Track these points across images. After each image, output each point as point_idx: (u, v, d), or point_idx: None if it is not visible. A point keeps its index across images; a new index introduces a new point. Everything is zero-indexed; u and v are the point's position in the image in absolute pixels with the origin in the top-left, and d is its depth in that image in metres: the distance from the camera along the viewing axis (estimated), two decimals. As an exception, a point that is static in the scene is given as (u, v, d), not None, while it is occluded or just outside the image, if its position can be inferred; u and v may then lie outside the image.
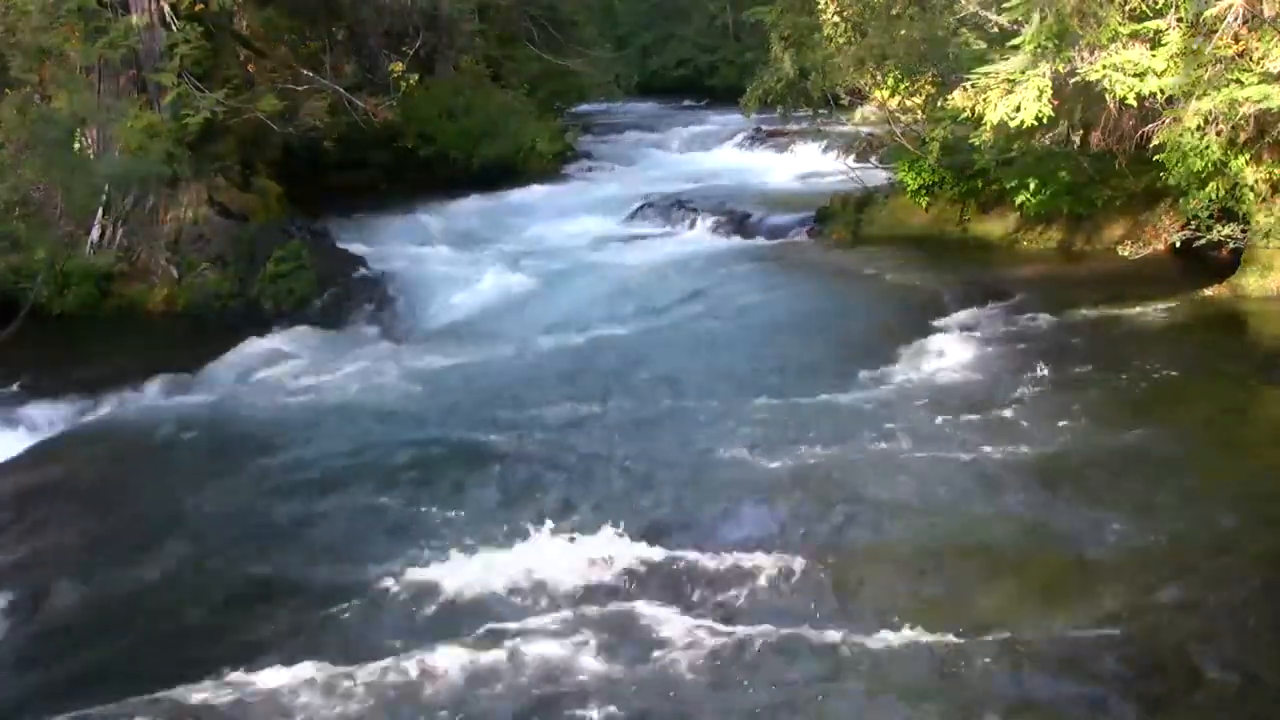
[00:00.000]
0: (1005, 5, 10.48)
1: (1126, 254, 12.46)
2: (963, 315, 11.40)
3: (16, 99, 12.81)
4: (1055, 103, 10.37)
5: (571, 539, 6.99)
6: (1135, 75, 9.99)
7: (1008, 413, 8.70)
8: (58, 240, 12.36)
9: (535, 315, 12.42)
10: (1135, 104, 10.28)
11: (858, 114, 17.01)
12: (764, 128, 22.57)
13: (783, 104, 16.99)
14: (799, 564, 6.59)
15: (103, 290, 12.76)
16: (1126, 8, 10.28)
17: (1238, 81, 9.67)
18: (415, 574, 6.71)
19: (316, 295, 13.02)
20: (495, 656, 5.87)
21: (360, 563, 6.90)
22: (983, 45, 11.98)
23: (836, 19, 14.85)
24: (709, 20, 35.49)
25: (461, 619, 6.27)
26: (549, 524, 7.11)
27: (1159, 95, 10.13)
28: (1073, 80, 10.31)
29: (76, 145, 13.09)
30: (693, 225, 16.78)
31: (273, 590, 6.74)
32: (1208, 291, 11.36)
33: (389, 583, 6.65)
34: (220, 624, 6.46)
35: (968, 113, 11.16)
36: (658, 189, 18.93)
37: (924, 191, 14.66)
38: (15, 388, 10.34)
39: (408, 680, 5.72)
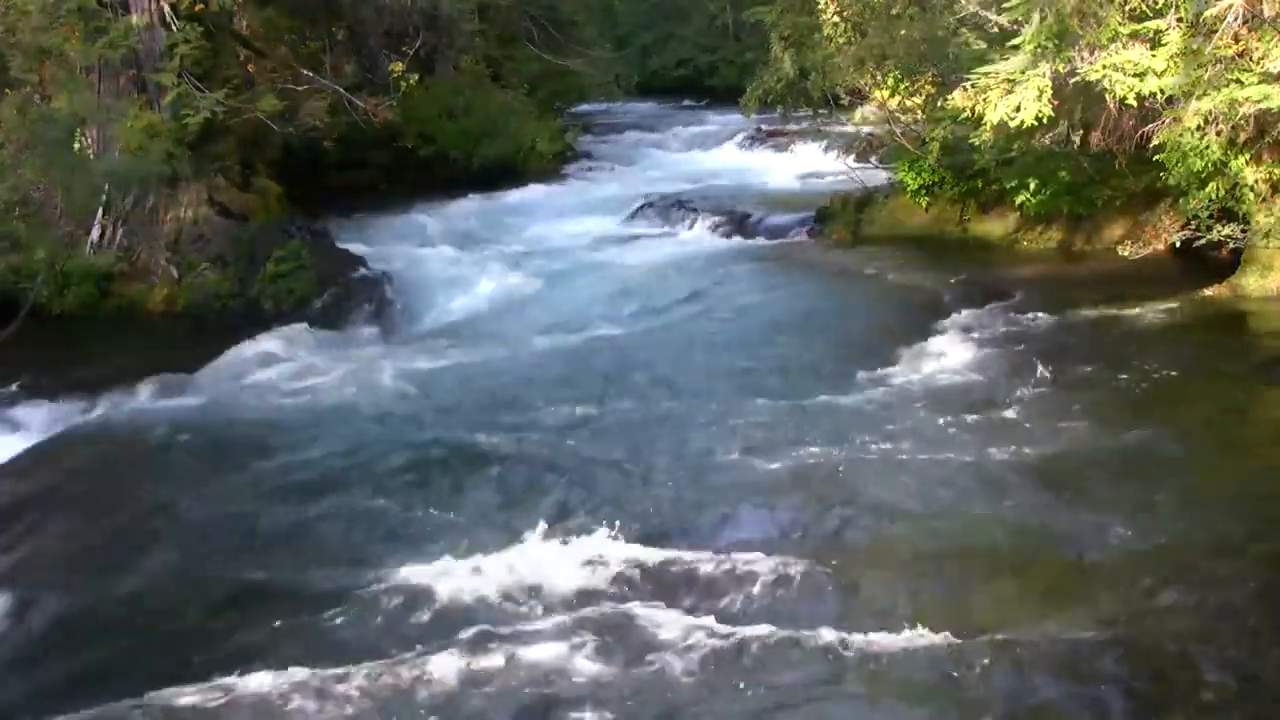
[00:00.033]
0: (1005, 5, 10.47)
1: (1126, 254, 12.46)
2: (963, 315, 11.40)
3: (16, 99, 12.81)
4: (1055, 103, 10.36)
5: (569, 542, 6.98)
6: (1135, 75, 9.99)
7: (1008, 413, 8.70)
8: (58, 240, 12.35)
9: (535, 316, 12.42)
10: (1135, 104, 10.28)
11: (858, 114, 17.01)
12: (764, 128, 22.58)
13: (783, 104, 17.00)
14: (798, 566, 6.57)
15: (103, 290, 12.75)
16: (1126, 8, 10.27)
17: (1238, 81, 9.67)
18: (410, 577, 6.69)
19: (316, 295, 13.01)
20: (491, 660, 5.85)
21: (356, 566, 6.89)
22: (983, 45, 11.98)
23: (836, 19, 14.85)
24: (709, 20, 35.50)
25: (457, 622, 6.25)
26: (546, 527, 7.11)
27: (1159, 95, 10.12)
28: (1073, 80, 10.31)
29: (76, 145, 13.08)
30: (693, 225, 16.78)
31: (267, 593, 6.72)
32: (1208, 291, 11.36)
33: (384, 586, 6.63)
34: (213, 627, 6.44)
35: (968, 113, 11.16)
36: (658, 189, 18.94)
37: (924, 191, 14.66)
38: (15, 388, 10.32)
39: (402, 684, 5.70)
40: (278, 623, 6.39)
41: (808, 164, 20.60)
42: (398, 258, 14.52)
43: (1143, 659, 5.63)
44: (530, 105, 21.96)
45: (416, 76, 22.17)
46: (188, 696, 5.66)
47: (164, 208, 13.49)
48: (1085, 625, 5.87)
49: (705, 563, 6.67)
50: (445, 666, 5.80)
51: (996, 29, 11.47)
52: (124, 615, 6.66)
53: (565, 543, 6.96)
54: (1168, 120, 10.33)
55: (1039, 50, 10.13)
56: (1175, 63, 9.95)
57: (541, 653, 5.88)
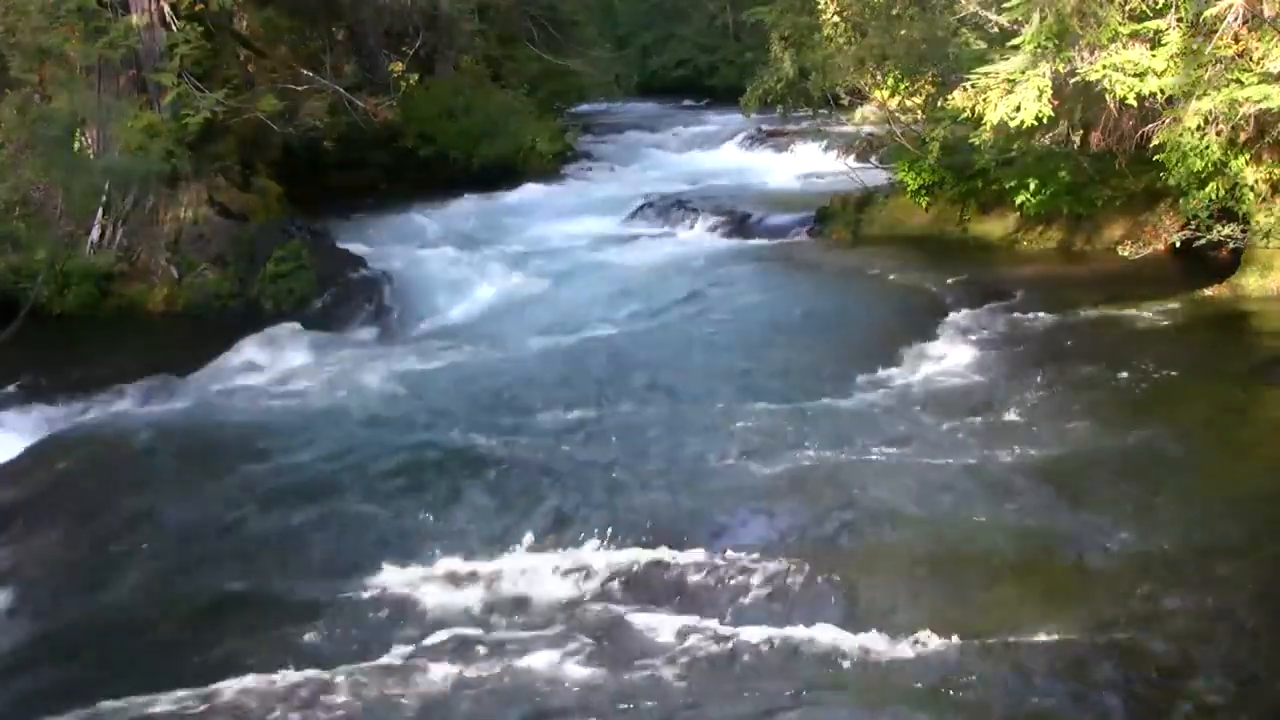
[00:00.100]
0: (1005, 5, 10.47)
1: (1126, 254, 12.46)
2: (963, 316, 11.39)
3: (16, 99, 12.82)
4: (1055, 103, 10.37)
5: (563, 546, 6.95)
6: (1135, 75, 9.99)
7: (1008, 414, 8.70)
8: (58, 240, 12.35)
9: (535, 316, 12.41)
10: (1135, 104, 10.28)
11: (858, 114, 17.01)
12: (764, 128, 22.57)
13: (783, 104, 17.00)
14: (797, 569, 6.55)
15: (103, 290, 12.74)
16: (1126, 8, 10.28)
17: (1238, 81, 9.67)
18: (401, 583, 6.66)
19: (316, 295, 13.00)
20: (483, 667, 5.82)
21: (347, 571, 6.83)
22: (983, 45, 11.98)
23: (836, 19, 14.86)
24: (709, 20, 35.49)
25: (448, 628, 6.21)
26: (541, 531, 7.08)
27: (1159, 95, 10.13)
28: (1073, 80, 10.31)
29: (76, 145, 13.08)
30: (692, 225, 16.77)
31: (254, 599, 6.67)
32: (1208, 291, 11.36)
33: (374, 592, 6.60)
34: (198, 632, 6.40)
35: (968, 113, 11.17)
36: (658, 189, 18.93)
37: (924, 191, 14.66)
38: (14, 388, 10.32)
39: (391, 691, 5.66)
40: (263, 629, 6.35)
41: (808, 164, 20.59)
42: (397, 258, 14.51)
43: (1143, 662, 5.62)
44: (530, 105, 21.95)
45: (416, 76, 22.25)
46: (169, 704, 5.61)
47: (164, 208, 13.48)
48: (1085, 628, 5.86)
49: (703, 567, 6.64)
50: (436, 673, 5.76)
51: (996, 29, 11.47)
52: (112, 620, 6.63)
53: (559, 547, 6.92)
54: (1168, 120, 10.34)
55: (1039, 50, 10.13)
56: (1175, 63, 9.96)
57: (534, 659, 5.85)
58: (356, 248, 14.38)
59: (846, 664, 5.72)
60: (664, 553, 6.80)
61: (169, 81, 13.14)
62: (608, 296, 13.01)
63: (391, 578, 6.71)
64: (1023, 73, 10.29)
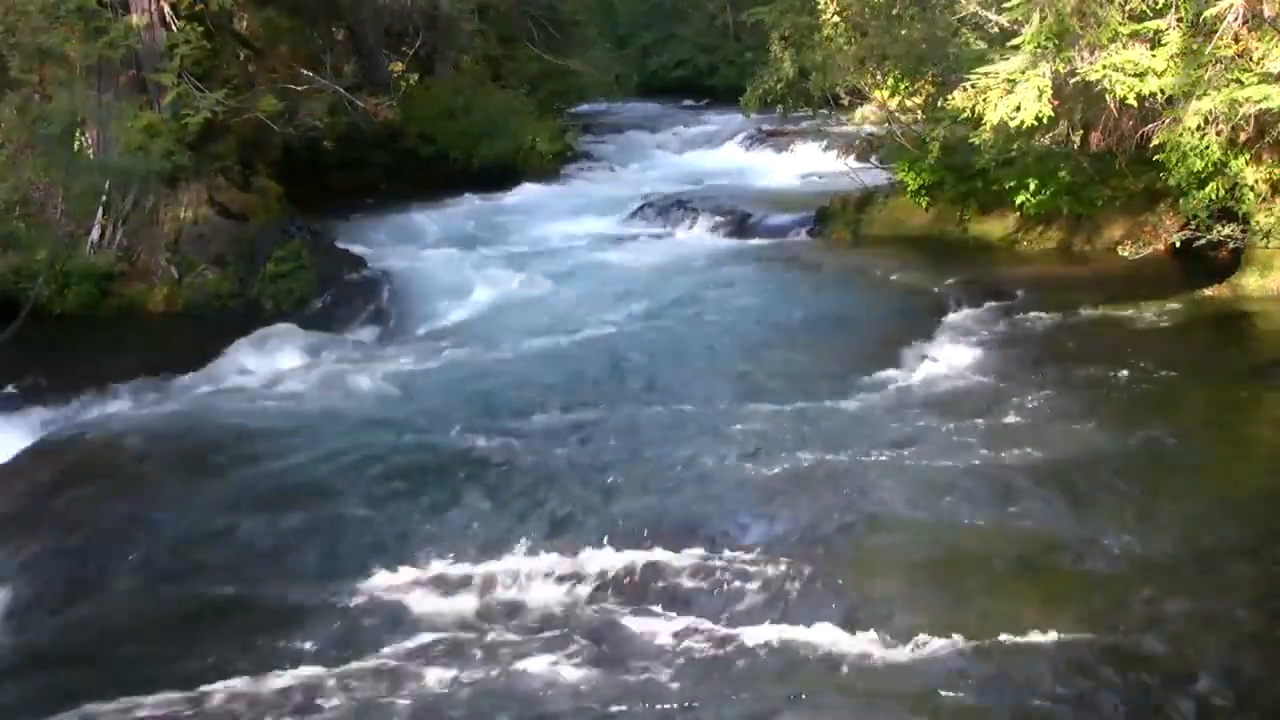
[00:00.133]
0: (1005, 5, 10.47)
1: (1126, 254, 12.45)
2: (963, 316, 11.39)
3: (16, 99, 12.82)
4: (1055, 103, 10.37)
5: (560, 548, 6.90)
6: (1135, 75, 9.99)
7: (1007, 415, 8.69)
8: (58, 240, 12.35)
9: (534, 317, 12.39)
10: (1135, 104, 10.28)
11: (858, 114, 17.03)
12: (764, 128, 22.55)
13: (783, 104, 16.99)
14: (796, 571, 6.54)
15: (103, 290, 12.74)
16: (1126, 8, 10.28)
17: (1238, 81, 9.67)
18: (398, 585, 6.61)
19: (316, 295, 13.00)
20: (480, 670, 5.79)
21: (343, 573, 6.77)
22: (983, 45, 11.97)
23: (836, 19, 14.85)
24: (709, 20, 35.48)
25: (444, 631, 6.18)
26: (537, 533, 7.04)
27: (1159, 95, 10.12)
28: (1073, 80, 10.31)
29: (76, 145, 13.09)
30: (692, 225, 16.76)
31: (249, 601, 6.62)
32: (1208, 291, 11.36)
33: (367, 595, 6.55)
34: (191, 635, 6.35)
35: (968, 113, 11.18)
36: (658, 189, 18.92)
37: (924, 191, 14.65)
38: (13, 389, 10.32)
39: (385, 695, 5.61)
40: (255, 632, 6.29)
41: (808, 164, 20.59)
42: (397, 257, 14.52)
43: (1143, 664, 5.61)
44: (530, 105, 21.94)
45: (416, 76, 22.27)
46: (158, 707, 5.59)
47: (164, 208, 13.48)
48: (1085, 630, 5.84)
49: (701, 569, 6.61)
50: (430, 677, 5.73)
51: (996, 29, 11.47)
52: (103, 623, 6.59)
53: (556, 550, 6.87)
54: (1168, 120, 10.34)
55: (1039, 50, 10.13)
56: (1175, 63, 9.96)
57: (530, 662, 5.82)
58: (356, 248, 14.38)
59: (845, 667, 5.71)
60: (662, 555, 6.76)
61: (169, 81, 13.13)
62: (607, 297, 13.00)
63: (386, 581, 6.66)
64: (1023, 73, 10.29)
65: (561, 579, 6.64)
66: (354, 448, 8.52)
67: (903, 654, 5.74)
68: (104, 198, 12.95)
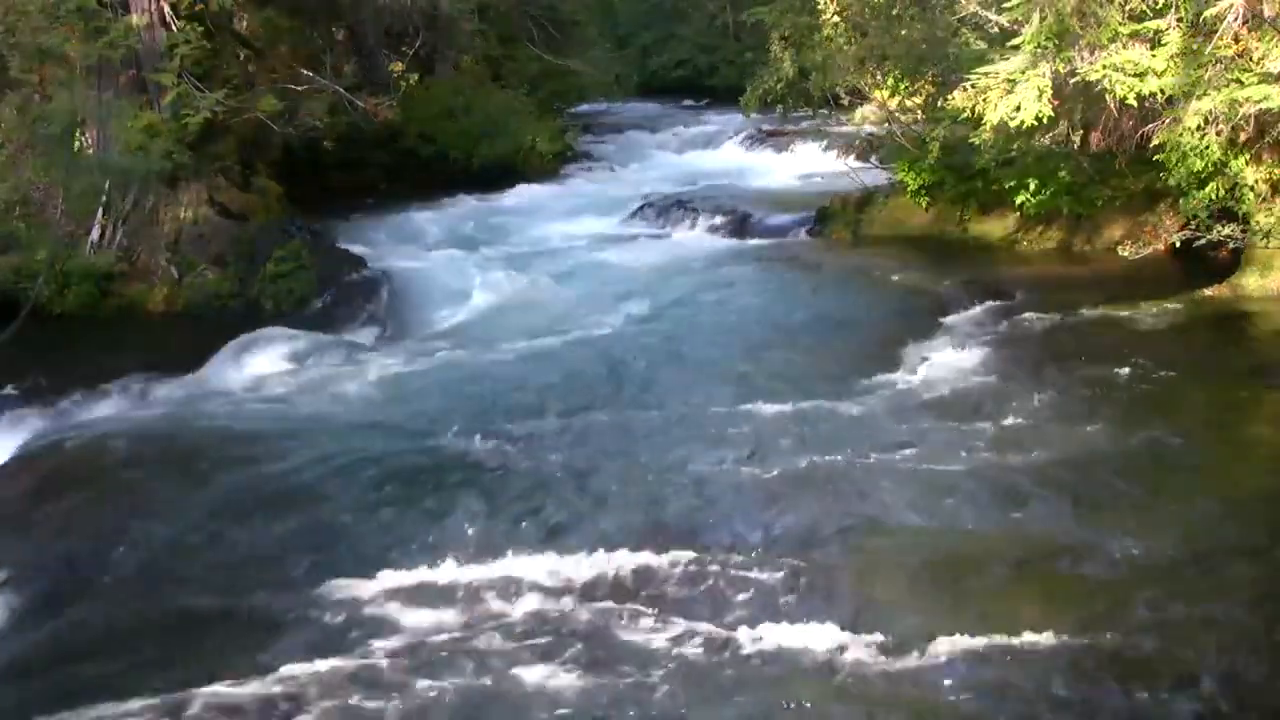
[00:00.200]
0: (1005, 5, 10.47)
1: (1126, 254, 12.45)
2: (963, 316, 11.40)
3: (16, 99, 12.82)
4: (1055, 103, 10.36)
5: (559, 550, 6.87)
6: (1135, 75, 9.99)
7: (1007, 415, 8.68)
8: (58, 240, 12.35)
9: (534, 317, 12.38)
10: (1135, 104, 10.27)
11: (858, 114, 17.02)
12: (764, 128, 22.55)
13: (783, 104, 16.99)
14: (795, 574, 6.52)
15: (103, 290, 12.74)
16: (1126, 8, 10.28)
17: (1238, 81, 9.67)
18: (391, 590, 6.56)
19: (316, 296, 13.01)
20: (472, 675, 5.75)
21: (335, 577, 6.70)
22: (983, 45, 11.97)
23: (836, 19, 14.85)
24: (709, 20, 35.47)
25: (436, 635, 6.13)
26: (535, 535, 7.02)
27: (1159, 95, 10.12)
28: (1073, 80, 10.31)
29: (76, 145, 13.09)
30: (693, 225, 16.76)
31: (236, 606, 6.56)
32: (1208, 291, 11.36)
33: (364, 598, 6.50)
34: (175, 640, 6.33)
35: (968, 113, 11.17)
36: (658, 189, 18.92)
37: (924, 191, 14.65)
38: (12, 389, 10.31)
39: (375, 701, 5.56)
40: (240, 638, 6.23)
41: (808, 164, 20.58)
42: (397, 258, 14.51)
43: (1144, 665, 5.61)
44: (530, 105, 21.94)
45: (416, 76, 22.27)
46: (143, 712, 5.57)
47: (164, 208, 13.48)
48: (1086, 632, 5.83)
49: (698, 572, 6.58)
50: (422, 682, 5.68)
51: (996, 29, 11.47)
52: (86, 630, 6.56)
53: (553, 552, 6.84)
54: (1168, 120, 10.34)
55: (1039, 50, 10.13)
56: (1175, 63, 9.96)
57: (523, 669, 5.77)
58: (356, 248, 14.38)
59: (845, 671, 5.68)
60: (659, 559, 6.73)
61: (169, 81, 13.13)
62: (607, 297, 12.99)
63: (376, 586, 6.61)
64: (1023, 73, 10.28)
65: (556, 583, 6.59)
66: (348, 451, 8.45)
67: (902, 658, 5.72)
68: (104, 198, 12.95)
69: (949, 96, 11.84)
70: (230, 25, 15.68)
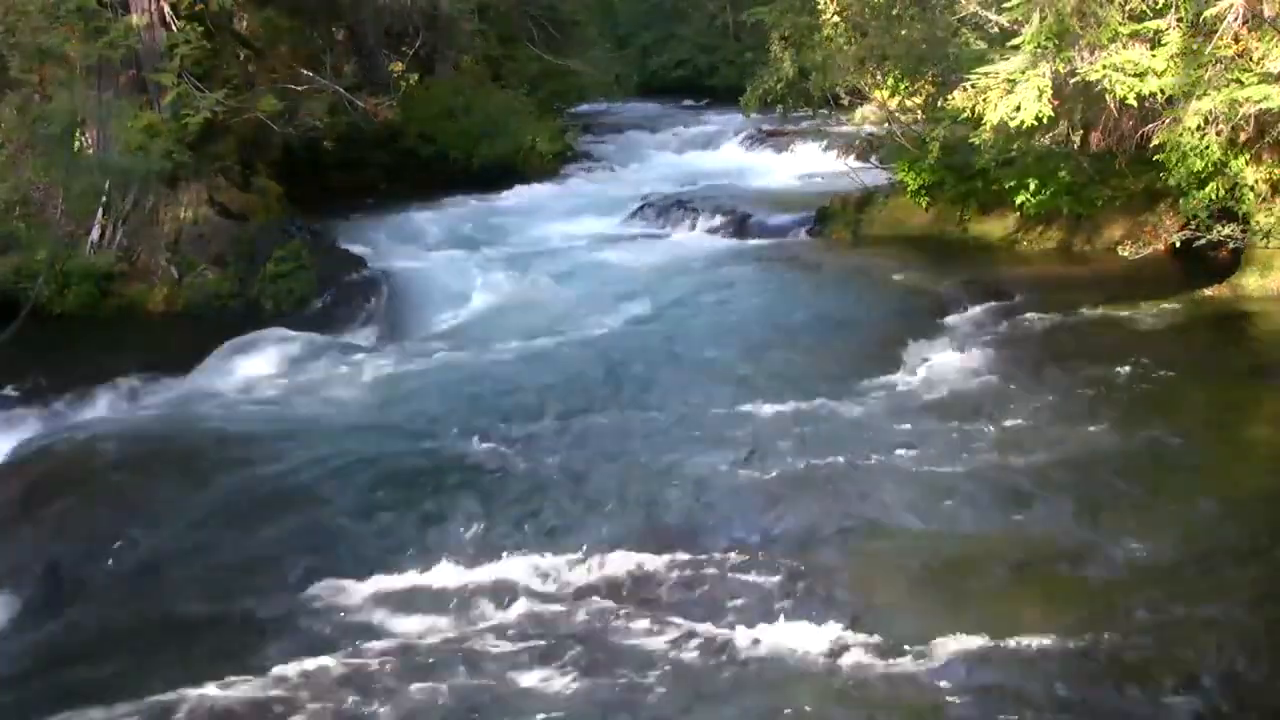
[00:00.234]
0: (1005, 5, 10.47)
1: (1126, 254, 12.45)
2: (963, 316, 11.39)
3: (16, 99, 12.82)
4: (1055, 103, 10.36)
5: (556, 551, 6.87)
6: (1135, 75, 9.99)
7: (1007, 415, 8.68)
8: (58, 240, 12.35)
9: (533, 318, 12.37)
10: (1135, 104, 10.27)
11: (858, 114, 17.01)
12: (764, 128, 22.53)
13: (783, 104, 16.98)
14: (794, 575, 6.52)
15: (103, 290, 12.73)
16: (1126, 8, 10.27)
17: (1238, 81, 9.67)
18: (386, 592, 6.56)
19: (316, 296, 13.00)
20: (466, 678, 5.73)
21: (329, 579, 6.69)
22: (983, 45, 11.97)
23: (836, 19, 14.84)
24: (709, 20, 35.46)
25: (431, 638, 6.12)
26: (532, 537, 7.02)
27: (1159, 95, 10.12)
28: (1073, 80, 10.31)
29: (76, 145, 13.08)
30: (692, 225, 16.75)
31: (227, 608, 6.55)
32: (1208, 291, 11.37)
33: (359, 600, 6.50)
34: (166, 643, 6.33)
35: (968, 113, 11.17)
36: (657, 189, 18.90)
37: (924, 191, 14.65)
38: (12, 389, 10.30)
39: (369, 706, 5.54)
40: (232, 639, 6.23)
41: (808, 164, 20.56)
42: (397, 258, 14.50)
43: (1144, 669, 5.60)
44: (530, 105, 21.93)
45: (416, 76, 22.26)
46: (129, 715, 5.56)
47: (164, 208, 13.48)
48: (1086, 633, 5.82)
49: (697, 574, 6.58)
50: (416, 685, 5.66)
51: (996, 29, 11.47)
52: (84, 630, 6.56)
53: (548, 556, 6.82)
54: (1168, 120, 10.33)
55: (1039, 50, 10.13)
56: (1175, 63, 9.96)
57: (519, 672, 5.76)
58: (356, 248, 14.37)
59: (844, 672, 5.67)
60: (658, 561, 6.72)
61: (169, 81, 13.13)
62: (607, 297, 12.98)
63: (371, 589, 6.60)
64: (1023, 73, 10.28)
65: (554, 586, 6.59)
66: (345, 453, 8.40)
67: (902, 660, 5.71)
68: (104, 198, 12.95)
69: (949, 96, 11.84)
70: (230, 25, 15.67)
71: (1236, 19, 9.67)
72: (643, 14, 38.12)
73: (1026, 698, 5.41)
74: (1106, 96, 10.24)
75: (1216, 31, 9.70)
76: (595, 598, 6.45)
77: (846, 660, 5.74)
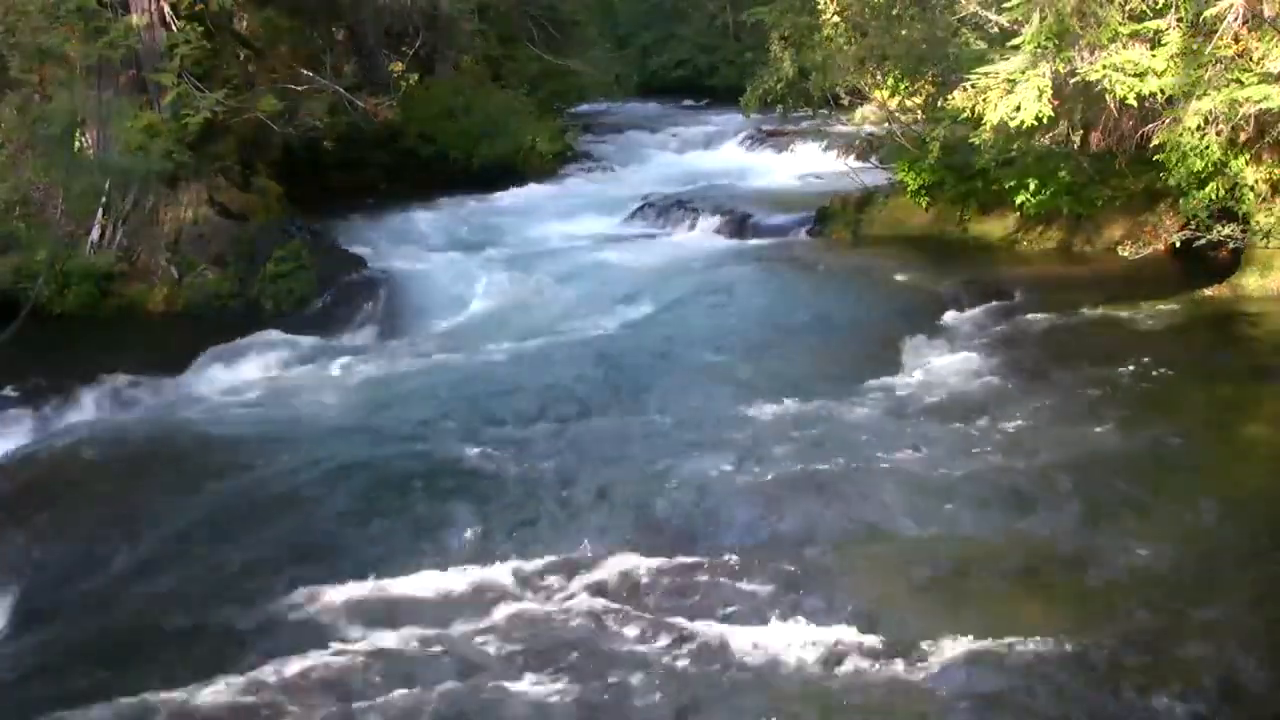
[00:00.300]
0: (1005, 5, 10.47)
1: (1126, 254, 12.45)
2: (962, 316, 11.39)
3: (16, 99, 12.82)
4: (1055, 103, 10.36)
5: (553, 553, 6.86)
6: (1135, 75, 9.99)
7: (1007, 416, 8.68)
8: (58, 240, 12.36)
9: (533, 318, 12.37)
10: (1135, 104, 10.27)
11: (858, 114, 17.01)
12: (764, 128, 22.53)
13: (783, 104, 16.97)
14: (793, 576, 6.52)
15: (103, 290, 12.75)
16: (1126, 8, 10.27)
17: (1238, 81, 9.67)
18: (382, 594, 6.55)
19: (316, 296, 13.02)
20: (459, 682, 5.71)
21: (324, 581, 6.67)
22: (983, 45, 11.97)
23: (836, 19, 14.84)
24: (709, 20, 35.45)
25: (426, 641, 6.10)
26: (526, 541, 7.00)
27: (1159, 95, 10.12)
28: (1073, 80, 10.31)
29: (76, 145, 13.09)
30: (693, 225, 16.75)
31: (217, 612, 6.51)
32: (1208, 291, 11.36)
33: (346, 603, 6.47)
34: (144, 646, 6.32)
35: (968, 113, 11.17)
36: (657, 189, 18.89)
37: (924, 191, 14.65)
38: (12, 389, 10.30)
39: (359, 710, 5.52)
40: (217, 643, 6.19)
41: (808, 164, 20.55)
42: (397, 258, 14.51)
43: (1144, 670, 5.60)
44: (530, 105, 21.93)
45: (416, 76, 22.26)
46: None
47: (164, 208, 13.49)
48: (1086, 634, 5.82)
49: (696, 576, 6.57)
50: (411, 687, 5.65)
51: (996, 29, 11.47)
52: (79, 632, 6.56)
53: (548, 556, 6.82)
54: (1168, 120, 10.33)
55: (1039, 50, 10.13)
56: (1175, 63, 9.96)
57: (514, 676, 5.75)
58: (356, 248, 14.38)
59: (843, 675, 5.67)
60: (657, 562, 6.71)
61: (169, 81, 13.14)
62: (607, 298, 12.98)
63: (367, 591, 6.58)
64: (1023, 73, 10.28)
65: (551, 588, 6.57)
66: (340, 456, 8.37)
67: (901, 663, 5.70)
68: (104, 198, 12.96)
69: (949, 96, 11.84)
70: (230, 25, 15.68)
71: (1236, 19, 9.67)
72: (643, 14, 38.12)
73: (1026, 701, 5.41)
74: (1106, 96, 10.24)
75: (1216, 31, 9.70)
76: (591, 601, 6.43)
77: (845, 664, 5.73)
